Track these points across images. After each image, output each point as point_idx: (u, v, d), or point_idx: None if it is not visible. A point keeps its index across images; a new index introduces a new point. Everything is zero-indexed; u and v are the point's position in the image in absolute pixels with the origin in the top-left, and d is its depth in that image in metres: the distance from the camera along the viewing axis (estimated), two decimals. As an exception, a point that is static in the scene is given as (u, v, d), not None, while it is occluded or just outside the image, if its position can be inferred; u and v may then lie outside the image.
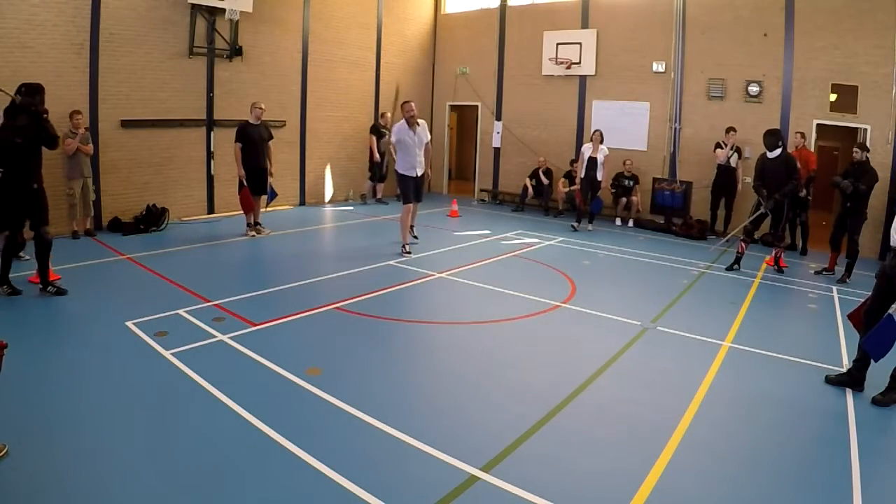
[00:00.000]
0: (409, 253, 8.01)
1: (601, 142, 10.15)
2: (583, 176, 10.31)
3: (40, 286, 5.69)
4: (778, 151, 7.62)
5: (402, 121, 7.92)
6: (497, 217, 11.62)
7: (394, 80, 13.46)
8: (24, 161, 5.41)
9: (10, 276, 6.16)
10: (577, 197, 10.68)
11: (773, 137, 7.70)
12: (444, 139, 14.85)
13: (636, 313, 5.85)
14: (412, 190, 8.11)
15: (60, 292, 5.68)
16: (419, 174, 8.11)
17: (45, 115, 5.44)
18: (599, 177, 10.22)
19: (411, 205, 8.18)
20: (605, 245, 9.25)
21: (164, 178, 9.44)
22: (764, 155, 7.73)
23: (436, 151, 14.87)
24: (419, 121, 8.00)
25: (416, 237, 8.77)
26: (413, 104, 7.97)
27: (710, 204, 10.42)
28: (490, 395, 4.11)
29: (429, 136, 8.22)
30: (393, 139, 8.12)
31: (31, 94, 5.36)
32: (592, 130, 10.57)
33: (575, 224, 10.51)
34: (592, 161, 10.14)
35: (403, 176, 8.13)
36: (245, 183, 8.52)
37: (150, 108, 9.06)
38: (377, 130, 11.86)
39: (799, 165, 9.02)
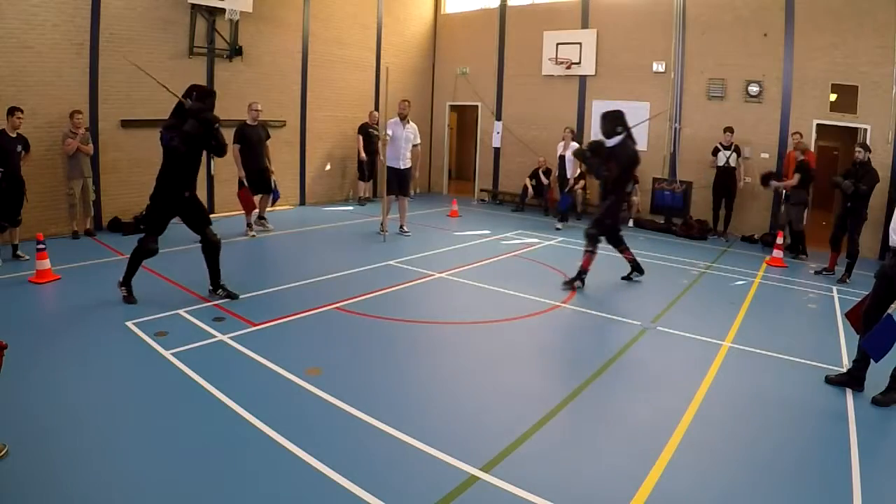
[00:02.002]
0: (385, 232, 8.81)
1: (573, 139, 10.18)
2: (556, 174, 10.37)
3: (210, 288, 5.68)
4: (617, 139, 6.44)
5: (396, 117, 8.77)
6: (497, 217, 11.61)
7: (394, 80, 13.42)
8: (184, 167, 5.32)
9: (10, 275, 6.18)
10: (550, 196, 10.71)
11: (610, 122, 6.51)
12: (444, 139, 14.86)
13: (636, 313, 5.85)
14: (394, 181, 8.80)
15: (231, 295, 5.65)
16: (402, 167, 8.77)
17: (218, 125, 5.30)
18: (569, 174, 10.23)
19: (391, 195, 8.86)
20: (605, 245, 9.21)
21: (164, 178, 9.42)
22: (599, 143, 6.65)
23: (436, 151, 14.93)
24: (412, 123, 8.84)
25: (407, 232, 9.14)
26: (408, 103, 8.89)
27: (711, 205, 10.43)
28: (490, 396, 4.11)
29: (419, 140, 8.96)
30: (389, 132, 8.74)
31: (201, 98, 5.22)
32: (564, 128, 10.57)
33: (559, 225, 10.55)
34: (563, 159, 10.18)
35: (387, 167, 8.85)
36: (245, 182, 8.52)
37: (150, 108, 9.03)
38: (365, 131, 11.81)
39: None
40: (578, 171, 10.76)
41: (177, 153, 5.18)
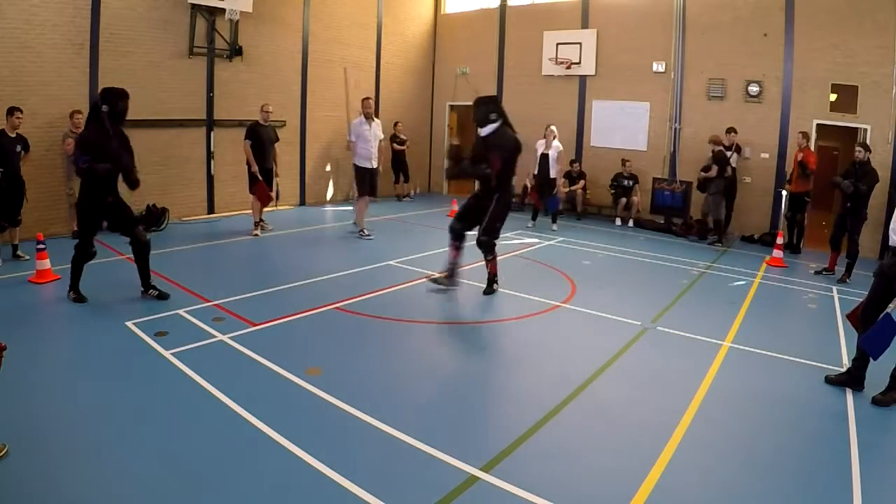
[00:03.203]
0: (370, 237, 8.78)
1: (555, 138, 10.17)
2: (535, 173, 10.34)
3: (142, 289, 5.65)
4: (492, 127, 5.86)
5: (361, 116, 8.70)
6: (497, 217, 11.58)
7: (394, 80, 13.46)
8: (101, 176, 5.22)
9: (10, 275, 6.18)
10: (532, 195, 10.68)
11: (483, 109, 5.91)
12: (444, 139, 14.85)
13: (636, 313, 5.85)
14: (367, 181, 8.76)
15: (162, 296, 5.60)
16: (374, 165, 8.76)
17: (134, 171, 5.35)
18: (553, 174, 10.21)
19: (367, 196, 8.86)
20: (605, 245, 9.25)
21: (164, 178, 9.43)
22: (457, 147, 6.26)
23: (436, 151, 14.92)
24: (377, 119, 8.86)
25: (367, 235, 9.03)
26: (371, 100, 8.88)
27: None
28: (490, 395, 4.12)
29: (382, 135, 8.98)
30: (353, 136, 8.70)
31: (115, 101, 5.17)
32: (545, 126, 10.54)
33: (531, 223, 10.58)
34: (545, 158, 10.16)
35: (360, 167, 8.78)
36: (259, 177, 8.60)
37: (150, 108, 9.05)
38: None
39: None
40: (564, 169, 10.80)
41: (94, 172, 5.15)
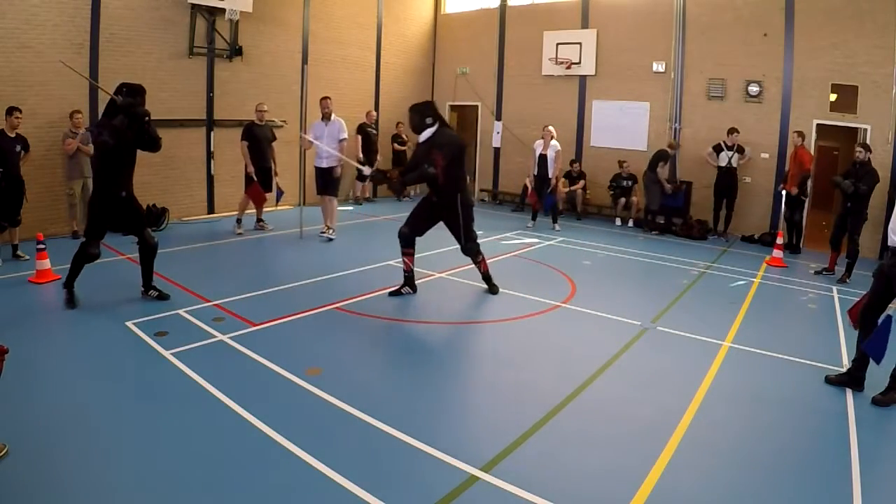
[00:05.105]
0: (325, 234, 8.70)
1: (552, 138, 10.18)
2: (535, 174, 10.34)
3: (142, 289, 5.63)
4: (430, 131, 5.82)
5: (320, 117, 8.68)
6: (497, 217, 11.61)
7: (394, 80, 13.45)
8: (116, 165, 5.17)
9: (10, 275, 6.18)
10: (532, 197, 10.67)
11: (418, 115, 5.84)
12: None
13: (636, 313, 5.85)
14: (319, 180, 8.67)
15: (162, 296, 5.57)
16: (325, 165, 8.56)
17: (148, 118, 5.17)
18: (550, 174, 10.22)
19: (322, 195, 8.71)
20: (605, 245, 9.24)
21: (164, 177, 9.43)
22: (418, 143, 6.19)
23: (436, 151, 14.93)
24: (336, 118, 8.68)
25: (330, 237, 8.75)
26: (329, 101, 8.71)
27: (712, 205, 10.42)
28: (490, 395, 4.11)
29: (344, 135, 8.67)
30: (311, 136, 8.57)
31: (132, 94, 5.11)
32: (542, 127, 10.54)
33: (531, 223, 10.58)
34: (543, 158, 10.17)
35: (315, 167, 8.75)
36: (255, 178, 8.62)
37: (149, 108, 8.85)
38: (363, 130, 11.80)
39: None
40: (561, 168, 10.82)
41: (107, 149, 5.05)
